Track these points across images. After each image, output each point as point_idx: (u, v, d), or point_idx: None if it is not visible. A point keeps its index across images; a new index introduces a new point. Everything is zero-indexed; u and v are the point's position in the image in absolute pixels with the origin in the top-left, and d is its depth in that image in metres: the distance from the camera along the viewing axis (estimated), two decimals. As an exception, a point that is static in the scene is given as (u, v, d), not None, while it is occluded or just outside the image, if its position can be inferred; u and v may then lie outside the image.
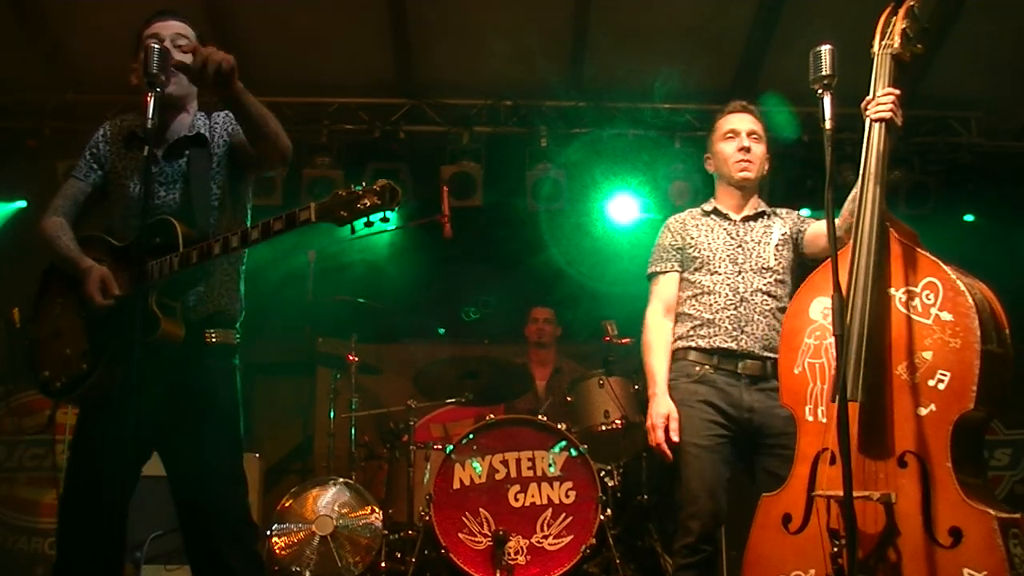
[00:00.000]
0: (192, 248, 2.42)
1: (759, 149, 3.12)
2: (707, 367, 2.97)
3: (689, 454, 2.89)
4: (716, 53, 5.51)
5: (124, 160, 2.63)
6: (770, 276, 3.03)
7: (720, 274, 3.04)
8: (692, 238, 3.12)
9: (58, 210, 2.65)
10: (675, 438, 2.90)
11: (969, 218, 6.21)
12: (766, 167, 3.16)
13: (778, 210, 3.19)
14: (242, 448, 2.64)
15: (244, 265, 2.70)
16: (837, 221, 2.70)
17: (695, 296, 3.06)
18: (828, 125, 2.36)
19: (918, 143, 5.79)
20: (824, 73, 2.37)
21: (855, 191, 2.60)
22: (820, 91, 2.39)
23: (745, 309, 2.99)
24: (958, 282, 2.31)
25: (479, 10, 5.29)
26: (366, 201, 2.28)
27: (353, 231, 2.32)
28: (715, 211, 3.16)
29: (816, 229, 3.05)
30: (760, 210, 3.15)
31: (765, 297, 3.01)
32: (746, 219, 3.13)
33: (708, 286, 3.03)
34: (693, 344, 3.01)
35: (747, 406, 2.91)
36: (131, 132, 2.64)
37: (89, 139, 2.72)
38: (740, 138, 3.09)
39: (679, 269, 3.13)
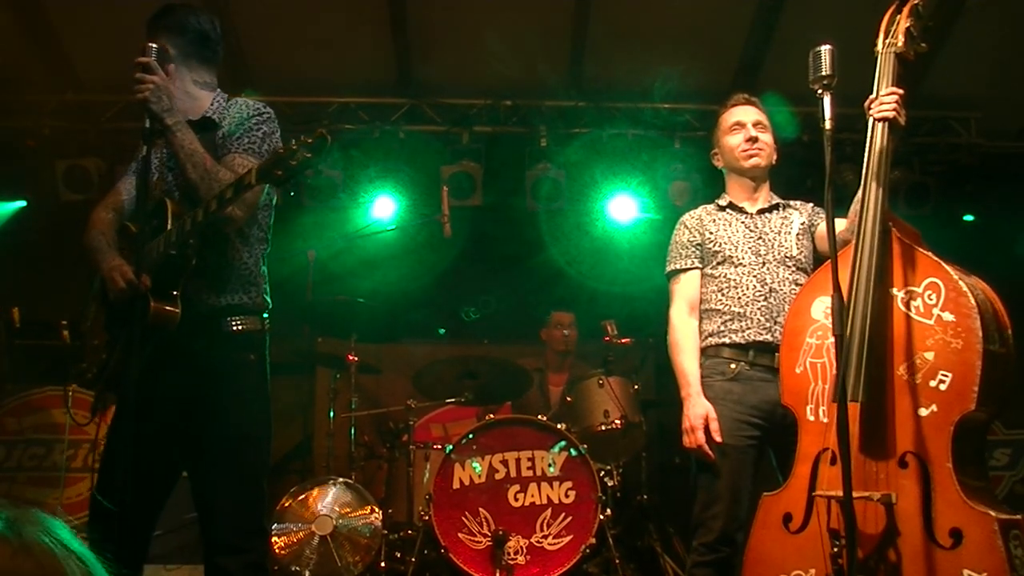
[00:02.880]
0: (173, 227, 2.41)
1: (767, 138, 3.09)
2: (743, 363, 2.92)
3: (719, 453, 2.85)
4: (716, 53, 5.51)
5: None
6: (794, 265, 3.01)
7: (744, 266, 3.00)
8: (711, 232, 3.08)
9: (103, 202, 2.68)
10: (717, 439, 2.84)
11: (969, 218, 6.22)
12: (775, 156, 3.13)
13: (792, 202, 3.16)
14: (261, 451, 2.54)
15: (266, 253, 2.67)
16: (845, 225, 2.70)
17: (720, 290, 3.01)
18: (828, 125, 2.36)
19: (918, 143, 5.78)
20: (824, 73, 2.37)
21: (860, 194, 2.58)
22: (820, 91, 2.39)
23: (775, 300, 2.95)
24: (960, 282, 2.31)
25: (479, 10, 5.29)
26: (299, 156, 2.18)
27: (291, 191, 2.25)
28: (730, 205, 3.13)
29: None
30: (774, 202, 3.13)
31: (793, 287, 2.96)
32: (761, 211, 3.10)
33: (734, 279, 2.99)
34: (727, 340, 2.95)
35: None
36: None
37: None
38: (746, 129, 3.07)
39: (700, 265, 3.08)
